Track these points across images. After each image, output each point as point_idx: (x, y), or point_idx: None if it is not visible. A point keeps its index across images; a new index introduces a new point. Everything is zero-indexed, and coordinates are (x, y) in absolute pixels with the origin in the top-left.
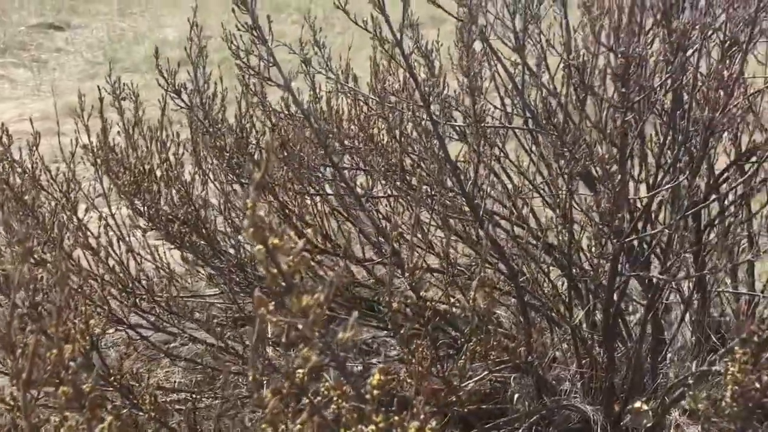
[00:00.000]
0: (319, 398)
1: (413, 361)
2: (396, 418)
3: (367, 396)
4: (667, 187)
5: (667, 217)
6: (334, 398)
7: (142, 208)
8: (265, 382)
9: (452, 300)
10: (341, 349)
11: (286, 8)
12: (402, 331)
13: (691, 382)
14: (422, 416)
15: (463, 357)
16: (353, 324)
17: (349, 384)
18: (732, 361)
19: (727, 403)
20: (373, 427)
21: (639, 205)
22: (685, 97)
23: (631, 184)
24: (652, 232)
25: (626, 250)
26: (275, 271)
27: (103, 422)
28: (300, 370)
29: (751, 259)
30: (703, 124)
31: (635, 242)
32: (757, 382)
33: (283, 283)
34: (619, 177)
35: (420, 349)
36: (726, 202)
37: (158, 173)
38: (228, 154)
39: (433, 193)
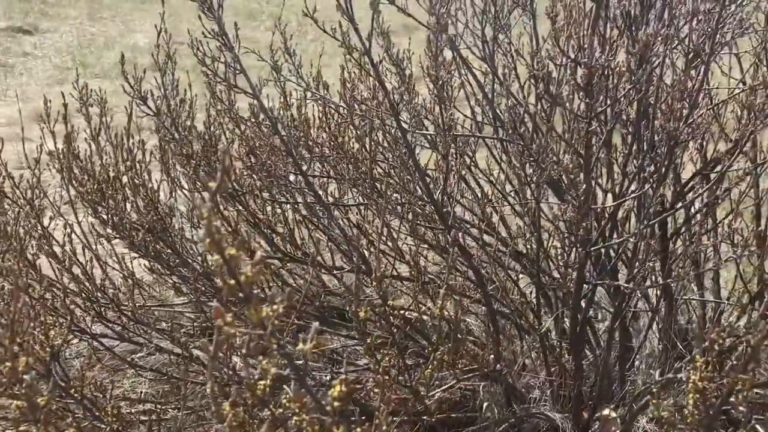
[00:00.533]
0: (281, 410)
1: (379, 370)
2: (358, 430)
3: (328, 408)
4: (632, 195)
5: (634, 226)
6: (295, 410)
7: (106, 217)
8: (227, 391)
9: (422, 308)
10: (303, 360)
11: (259, 15)
12: (368, 340)
13: (655, 390)
14: (384, 427)
15: (430, 366)
16: (314, 335)
17: (310, 395)
18: (693, 369)
19: (689, 411)
20: None
21: (605, 213)
22: (650, 107)
23: (599, 194)
24: (617, 240)
25: (593, 259)
26: (232, 281)
27: None
28: (261, 382)
29: (713, 268)
30: (667, 134)
31: (602, 250)
32: (718, 390)
33: (241, 294)
34: (584, 186)
35: (386, 358)
36: (692, 211)
37: (124, 180)
38: (195, 162)
39: (402, 201)
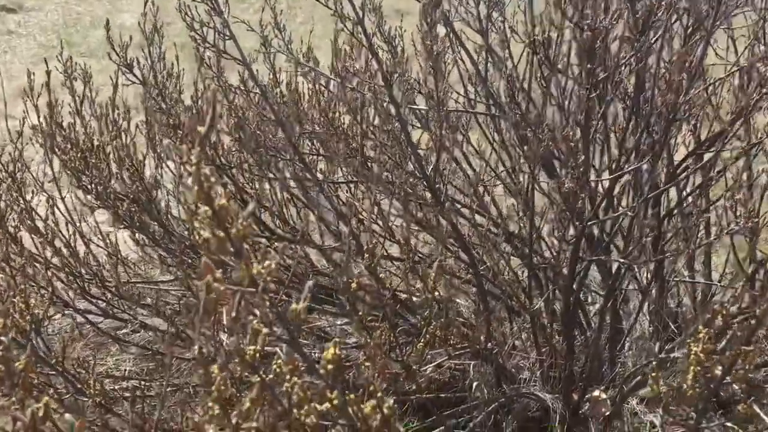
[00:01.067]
0: (270, 376)
1: (370, 342)
2: (352, 396)
3: (322, 371)
4: (629, 169)
5: (629, 205)
6: (286, 375)
7: (89, 186)
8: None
9: (412, 288)
10: (295, 322)
11: None
12: (360, 312)
13: (654, 362)
14: (379, 394)
15: (422, 340)
16: (307, 294)
17: (303, 358)
18: (695, 342)
19: (688, 385)
20: (327, 404)
21: (601, 189)
22: (648, 81)
23: (594, 175)
24: (615, 215)
25: (587, 237)
26: (222, 234)
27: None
28: (251, 347)
29: (713, 240)
30: (665, 107)
31: (596, 229)
32: (719, 364)
33: (231, 249)
34: (583, 157)
35: (378, 331)
36: (685, 192)
37: (108, 150)
38: (182, 133)
39: (393, 179)
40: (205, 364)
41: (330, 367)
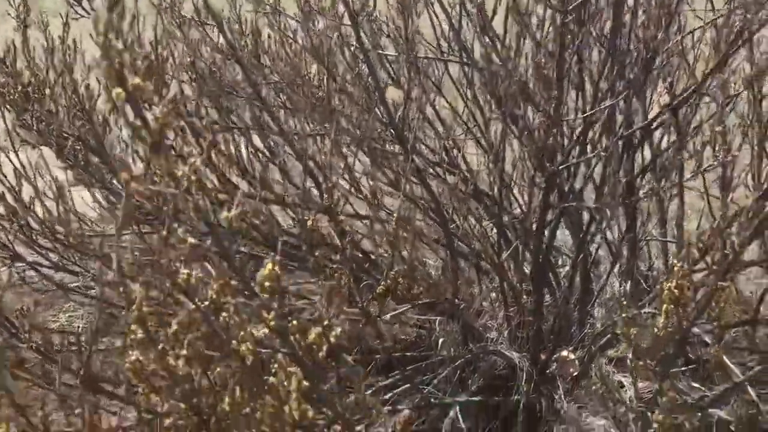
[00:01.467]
0: (204, 303)
1: (327, 284)
2: (293, 322)
3: (257, 289)
4: (605, 106)
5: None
6: (217, 293)
7: (30, 122)
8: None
9: (377, 240)
10: (228, 235)
11: None
12: (316, 254)
13: (626, 305)
14: (326, 321)
15: (383, 284)
16: (240, 200)
17: (236, 273)
18: (670, 277)
19: (662, 324)
20: (264, 328)
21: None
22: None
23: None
24: (588, 156)
25: (558, 188)
26: (138, 122)
27: None
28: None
29: (689, 178)
30: (644, 44)
31: (566, 183)
32: (693, 303)
33: (149, 141)
34: (556, 91)
35: (338, 273)
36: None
37: (52, 83)
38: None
39: (359, 129)
40: (122, 280)
41: (267, 284)
